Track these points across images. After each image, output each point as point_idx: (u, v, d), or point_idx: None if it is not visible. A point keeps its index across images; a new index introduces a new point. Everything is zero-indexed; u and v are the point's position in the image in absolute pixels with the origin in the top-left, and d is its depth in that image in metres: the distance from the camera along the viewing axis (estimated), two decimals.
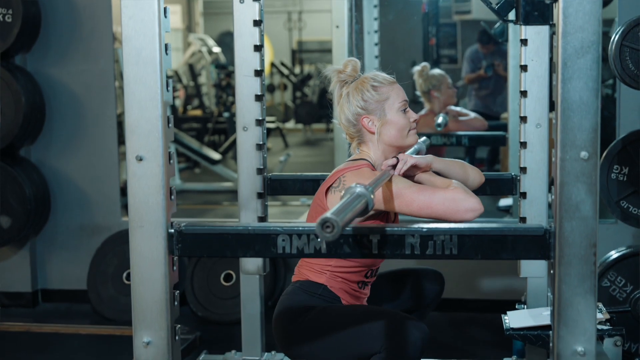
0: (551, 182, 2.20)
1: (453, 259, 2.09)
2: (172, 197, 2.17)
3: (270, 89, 13.14)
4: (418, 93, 5.13)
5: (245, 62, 3.20)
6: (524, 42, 2.99)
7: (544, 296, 3.13)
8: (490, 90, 6.40)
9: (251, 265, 3.30)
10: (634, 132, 3.46)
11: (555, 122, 1.99)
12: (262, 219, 3.24)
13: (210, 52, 11.39)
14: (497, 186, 3.23)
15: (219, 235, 2.14)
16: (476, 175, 2.87)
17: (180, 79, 11.14)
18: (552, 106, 2.33)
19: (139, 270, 2.14)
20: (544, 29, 2.97)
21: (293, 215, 6.34)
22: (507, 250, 2.04)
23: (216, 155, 8.29)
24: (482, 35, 6.61)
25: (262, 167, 3.22)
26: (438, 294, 3.02)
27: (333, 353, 2.60)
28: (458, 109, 5.19)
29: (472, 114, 5.19)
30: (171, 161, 2.17)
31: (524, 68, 3.00)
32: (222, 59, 11.63)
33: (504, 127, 5.18)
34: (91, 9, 4.83)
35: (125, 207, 4.83)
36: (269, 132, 9.58)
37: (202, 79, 11.34)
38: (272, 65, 13.27)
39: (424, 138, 2.97)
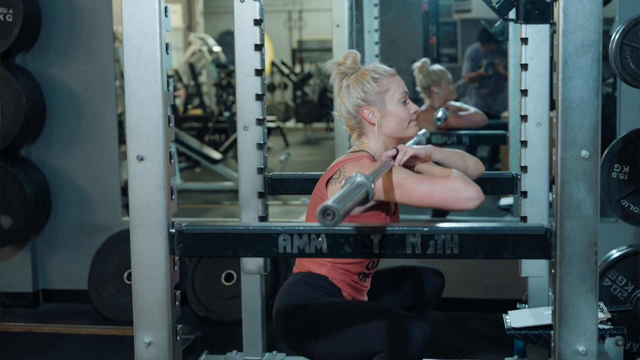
0: (552, 181, 2.20)
1: (454, 259, 2.09)
2: (173, 196, 2.17)
3: (271, 88, 13.14)
4: (418, 89, 5.13)
5: (245, 61, 3.20)
6: (524, 40, 2.98)
7: (545, 295, 3.13)
8: (491, 89, 6.40)
9: (252, 265, 3.30)
10: (634, 131, 3.45)
11: (555, 121, 1.99)
12: (263, 218, 3.24)
13: (210, 51, 11.39)
14: (498, 185, 3.23)
15: (219, 235, 2.14)
16: (476, 165, 2.88)
17: (181, 78, 11.14)
18: (552, 105, 2.33)
19: (140, 270, 2.15)
20: (545, 28, 2.97)
21: (294, 215, 6.35)
22: (508, 249, 2.03)
23: (217, 155, 8.29)
24: (482, 34, 6.61)
25: (262, 166, 3.22)
26: (438, 291, 3.02)
27: (334, 350, 2.60)
28: (458, 104, 5.19)
29: (472, 109, 5.20)
30: (172, 161, 2.17)
31: (524, 67, 3.00)
32: (223, 58, 11.63)
33: (505, 126, 5.18)
34: (91, 8, 4.83)
35: (125, 206, 4.83)
36: (270, 131, 9.56)
37: (203, 78, 11.34)
38: (273, 64, 13.28)
39: (423, 130, 2.97)
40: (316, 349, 2.63)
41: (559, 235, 1.97)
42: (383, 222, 2.67)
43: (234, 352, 3.47)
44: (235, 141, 5.65)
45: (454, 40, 7.79)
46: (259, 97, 3.20)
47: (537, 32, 2.98)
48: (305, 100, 12.31)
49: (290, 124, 12.62)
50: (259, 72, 3.20)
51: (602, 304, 2.88)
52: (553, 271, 2.01)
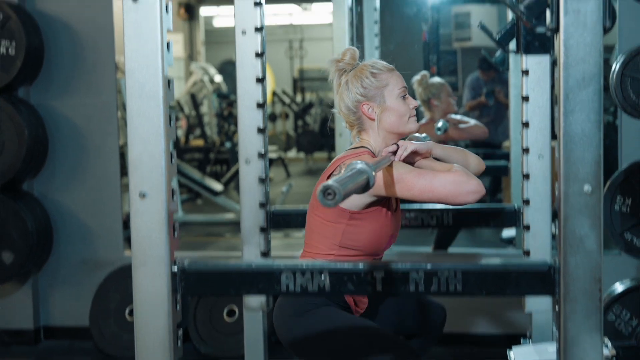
0: (554, 214, 2.19)
1: (458, 296, 2.07)
2: (176, 234, 2.16)
3: (272, 118, 13.16)
4: (418, 102, 5.11)
5: (247, 93, 3.20)
6: (525, 72, 2.99)
7: (549, 330, 3.10)
8: (492, 117, 6.39)
9: (254, 301, 3.28)
10: (635, 163, 3.45)
11: (557, 155, 1.99)
12: (265, 254, 3.22)
13: (212, 81, 11.43)
14: (501, 218, 3.22)
15: (222, 274, 2.13)
16: (477, 162, 2.88)
17: (182, 108, 11.17)
18: (554, 134, 2.33)
19: (142, 309, 2.13)
20: (545, 59, 2.97)
21: (296, 248, 6.32)
22: (512, 286, 2.02)
23: (218, 187, 8.28)
24: (482, 62, 6.63)
25: (264, 201, 3.21)
26: (440, 324, 3.01)
27: None
28: (458, 117, 5.17)
29: (472, 121, 5.16)
30: (174, 197, 2.16)
31: (525, 99, 3.00)
32: (224, 87, 11.66)
33: (506, 157, 5.17)
34: (94, 40, 4.85)
35: (127, 239, 4.81)
36: (271, 162, 9.57)
37: (204, 109, 11.36)
38: (274, 94, 13.31)
39: (424, 135, 2.97)
40: (310, 356, 2.64)
41: (562, 272, 1.95)
42: (384, 219, 2.66)
43: None
44: (236, 172, 5.65)
45: (455, 69, 7.81)
46: (260, 131, 3.19)
47: (537, 64, 2.99)
48: (307, 130, 12.33)
49: (292, 153, 12.62)
50: (260, 106, 3.19)
51: (606, 339, 2.85)
52: (557, 308, 1.99)
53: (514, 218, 3.21)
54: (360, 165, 1.97)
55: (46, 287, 4.95)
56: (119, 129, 4.97)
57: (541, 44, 2.94)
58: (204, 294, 2.21)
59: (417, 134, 2.91)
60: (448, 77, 7.79)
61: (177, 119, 10.38)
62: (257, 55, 3.18)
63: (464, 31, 7.95)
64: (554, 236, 2.71)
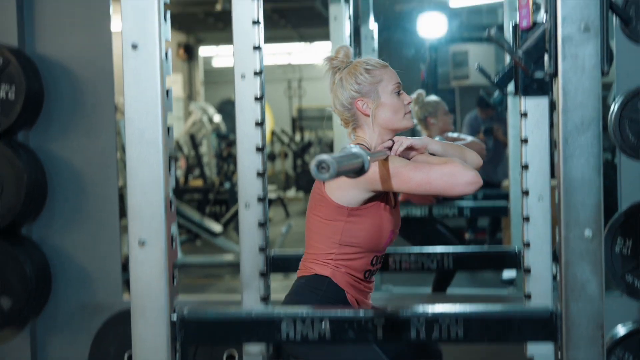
0: (554, 257, 2.19)
1: (459, 343, 2.06)
2: (175, 281, 2.15)
3: (271, 157, 13.19)
4: (415, 121, 5.12)
5: (247, 137, 3.20)
6: (524, 115, 2.99)
7: None
8: (490, 156, 6.40)
9: (254, 348, 3.25)
10: (636, 204, 3.45)
11: (557, 200, 1.99)
12: (265, 299, 3.20)
13: (211, 120, 11.46)
14: (502, 261, 3.21)
15: (222, 323, 2.12)
16: (474, 158, 2.86)
17: (182, 148, 11.19)
18: (553, 174, 2.32)
19: (140, 358, 2.11)
20: (544, 101, 2.97)
21: None
22: (514, 333, 2.02)
23: (217, 228, 8.27)
24: (480, 101, 6.66)
25: (264, 245, 3.19)
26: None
27: None
28: (455, 134, 5.17)
29: (470, 138, 5.13)
30: (174, 245, 2.15)
31: (524, 141, 3.00)
32: (223, 127, 11.70)
33: (505, 197, 5.17)
34: (93, 83, 4.85)
35: (126, 282, 4.79)
36: (270, 202, 9.55)
37: (203, 149, 11.38)
38: (273, 133, 13.35)
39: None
40: None
41: (564, 318, 1.95)
42: (383, 214, 2.65)
43: None
44: (236, 213, 5.64)
45: (452, 108, 7.84)
46: (260, 175, 3.19)
47: (536, 106, 2.98)
48: (306, 169, 12.35)
49: (291, 193, 12.63)
50: (260, 149, 3.20)
51: None
52: (559, 355, 1.98)
53: (514, 261, 3.19)
54: (355, 149, 1.96)
55: (44, 332, 4.91)
56: (118, 171, 4.97)
57: (539, 86, 2.95)
58: (203, 342, 2.19)
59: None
60: None
61: (176, 159, 10.39)
62: (257, 99, 3.19)
63: (462, 70, 8.01)
64: (554, 277, 2.69)
